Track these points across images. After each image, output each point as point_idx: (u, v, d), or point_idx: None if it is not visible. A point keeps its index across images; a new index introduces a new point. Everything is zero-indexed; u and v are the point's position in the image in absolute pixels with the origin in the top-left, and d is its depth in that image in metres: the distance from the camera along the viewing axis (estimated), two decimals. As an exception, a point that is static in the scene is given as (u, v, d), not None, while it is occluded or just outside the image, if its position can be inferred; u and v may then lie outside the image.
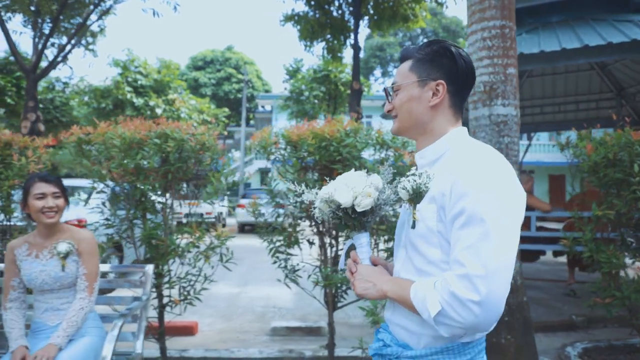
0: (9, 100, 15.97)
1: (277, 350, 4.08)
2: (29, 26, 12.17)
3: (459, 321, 1.05)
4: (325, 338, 4.64)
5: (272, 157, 3.30)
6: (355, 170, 1.34)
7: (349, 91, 15.39)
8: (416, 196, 1.16)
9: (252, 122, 29.56)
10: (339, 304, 3.64)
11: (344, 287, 3.56)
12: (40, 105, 17.36)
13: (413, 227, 1.19)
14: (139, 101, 15.04)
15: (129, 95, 14.83)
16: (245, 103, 23.51)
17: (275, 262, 3.62)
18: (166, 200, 3.23)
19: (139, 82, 15.23)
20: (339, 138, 2.86)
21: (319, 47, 22.02)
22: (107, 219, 3.25)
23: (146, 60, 15.80)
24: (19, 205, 2.84)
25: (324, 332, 4.74)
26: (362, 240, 1.32)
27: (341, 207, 1.24)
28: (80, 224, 5.46)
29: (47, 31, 12.20)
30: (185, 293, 3.39)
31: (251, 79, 25.85)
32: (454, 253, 1.08)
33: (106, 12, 11.71)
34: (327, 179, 1.31)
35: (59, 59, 10.59)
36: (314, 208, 1.31)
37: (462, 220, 1.08)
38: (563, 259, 6.79)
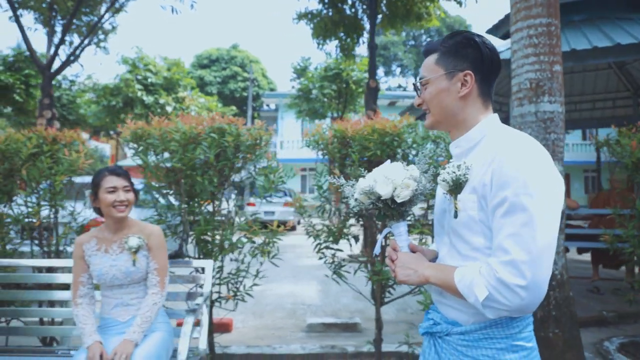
0: (17, 98, 15.93)
1: (319, 347, 4.10)
2: (40, 23, 12.15)
3: (506, 304, 1.10)
4: (362, 334, 4.69)
5: (322, 152, 3.31)
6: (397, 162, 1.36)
7: (360, 89, 15.43)
8: (456, 187, 1.21)
9: (256, 120, 29.55)
10: (386, 299, 3.65)
11: (390, 282, 3.56)
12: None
13: (455, 216, 1.24)
14: (149, 99, 15.01)
15: (139, 93, 14.79)
16: (250, 101, 23.50)
17: (320, 259, 3.63)
18: (221, 195, 3.24)
19: (149, 80, 15.20)
20: (400, 133, 2.87)
21: (332, 45, 22.13)
22: (159, 214, 3.26)
23: (155, 58, 15.79)
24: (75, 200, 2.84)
25: (359, 329, 4.77)
26: (401, 229, 1.35)
27: (381, 198, 1.28)
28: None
29: (58, 28, 12.20)
30: (235, 289, 3.39)
31: (256, 78, 25.84)
32: (497, 240, 1.13)
33: (119, 9, 11.69)
34: (364, 171, 1.34)
35: (72, 57, 10.55)
36: (353, 200, 1.35)
37: (504, 208, 1.12)
38: (586, 256, 6.82)
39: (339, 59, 14.73)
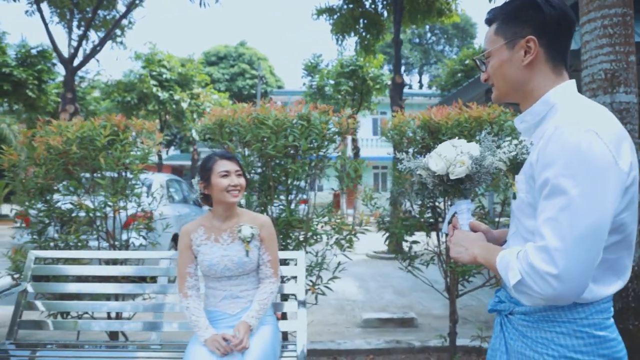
0: (30, 94, 15.80)
1: (384, 342, 4.04)
2: (57, 16, 12.05)
3: (538, 292, 1.02)
4: (419, 329, 4.64)
5: (405, 143, 3.25)
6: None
7: (377, 86, 15.37)
8: (514, 167, 1.16)
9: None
10: (461, 292, 3.59)
11: (466, 276, 3.50)
12: (59, 100, 17.28)
13: (514, 197, 1.20)
14: (163, 95, 14.89)
15: (154, 89, 14.68)
16: (259, 99, 23.43)
17: (393, 251, 3.57)
18: (308, 184, 3.18)
19: (164, 76, 15.08)
20: (497, 121, 2.81)
21: (351, 41, 22.06)
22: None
23: (169, 54, 15.68)
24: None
25: (416, 324, 4.71)
26: (463, 206, 1.35)
27: (436, 174, 1.29)
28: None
29: (75, 23, 12.11)
30: (313, 282, 3.34)
31: (264, 75, 25.74)
32: (537, 223, 1.05)
33: (136, 4, 11.60)
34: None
35: (96, 50, 10.47)
36: (417, 175, 1.36)
37: (546, 191, 1.04)
38: None
39: (356, 55, 14.69)
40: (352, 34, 12.47)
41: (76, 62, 10.32)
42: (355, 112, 16.26)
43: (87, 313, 3.23)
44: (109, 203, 3.03)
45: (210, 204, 2.29)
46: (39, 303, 2.79)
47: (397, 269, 3.55)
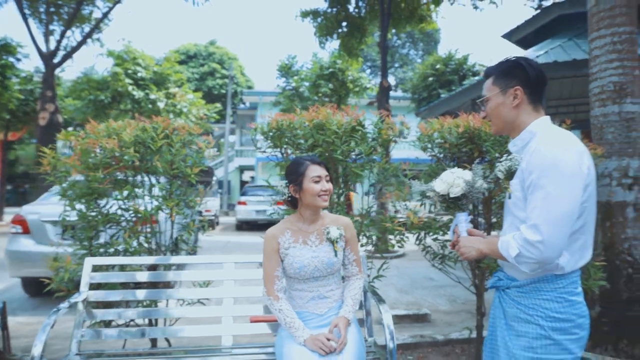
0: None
1: (409, 336, 4.23)
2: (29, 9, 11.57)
3: (531, 257, 1.49)
4: (432, 324, 4.86)
5: (442, 149, 3.44)
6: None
7: (356, 89, 15.63)
8: (509, 175, 1.67)
9: (231, 118, 29.22)
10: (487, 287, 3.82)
11: (492, 271, 3.73)
12: (21, 97, 16.52)
13: (509, 197, 1.67)
14: (139, 94, 14.49)
15: (129, 88, 14.26)
16: (230, 99, 23.22)
17: (423, 249, 3.76)
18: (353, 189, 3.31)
19: (139, 74, 14.69)
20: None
21: (334, 44, 22.12)
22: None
23: (144, 52, 15.28)
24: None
25: (429, 319, 4.94)
26: (461, 218, 1.79)
27: (440, 194, 1.76)
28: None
29: (44, 17, 11.66)
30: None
31: (235, 75, 25.52)
32: (527, 212, 1.54)
33: (117, 1, 11.33)
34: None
35: (77, 47, 10.14)
36: (429, 194, 1.84)
37: (532, 188, 1.52)
38: None
39: (338, 57, 14.88)
40: (335, 36, 12.68)
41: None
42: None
43: (133, 320, 3.17)
44: (163, 208, 3.05)
45: (295, 207, 2.35)
46: (99, 312, 2.77)
47: (392, 268, 3.74)
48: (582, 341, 1.60)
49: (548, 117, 1.68)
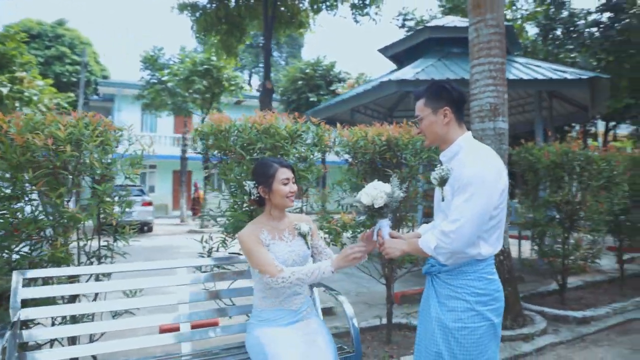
0: None
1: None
2: None
3: (444, 246, 1.84)
4: (337, 317, 5.25)
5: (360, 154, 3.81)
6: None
7: (232, 88, 15.48)
8: (442, 182, 1.96)
9: (83, 110, 26.35)
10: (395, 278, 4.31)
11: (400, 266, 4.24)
12: None
13: (443, 200, 1.99)
14: (-27, 76, 12.19)
15: (-40, 68, 11.86)
16: (83, 88, 20.96)
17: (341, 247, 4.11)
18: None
19: (-27, 53, 12.31)
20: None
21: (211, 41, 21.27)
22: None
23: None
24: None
25: (335, 312, 5.31)
26: (384, 223, 2.07)
27: (365, 205, 2.03)
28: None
29: None
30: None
31: (89, 62, 23.03)
32: (450, 210, 1.88)
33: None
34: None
35: None
36: (356, 205, 2.09)
37: (457, 192, 1.86)
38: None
39: (208, 54, 14.56)
40: (214, 33, 12.46)
41: None
42: (206, 112, 16.08)
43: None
44: (107, 210, 2.84)
45: (261, 206, 2.46)
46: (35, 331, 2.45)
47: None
48: (499, 310, 1.95)
49: (470, 133, 2.03)
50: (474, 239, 1.83)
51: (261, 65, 42.58)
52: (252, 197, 2.43)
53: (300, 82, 20.68)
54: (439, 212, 2.03)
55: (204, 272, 3.09)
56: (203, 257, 3.33)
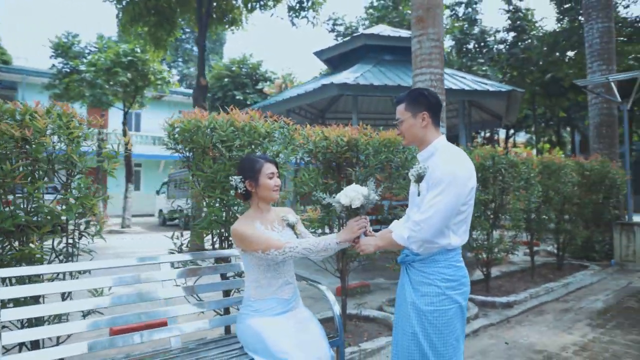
0: None
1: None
2: None
3: (415, 235, 2.03)
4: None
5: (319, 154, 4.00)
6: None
7: (158, 82, 14.87)
8: (419, 178, 2.13)
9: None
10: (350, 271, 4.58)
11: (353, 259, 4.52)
12: None
13: (419, 195, 2.15)
14: None
15: None
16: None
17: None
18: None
19: None
20: (397, 144, 3.96)
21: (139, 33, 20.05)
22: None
23: None
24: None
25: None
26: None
27: (344, 205, 2.19)
28: None
29: None
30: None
31: (-15, 44, 20.72)
32: (423, 204, 2.06)
33: None
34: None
35: None
36: (335, 204, 2.24)
37: (431, 187, 2.04)
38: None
39: (132, 45, 13.88)
40: (142, 24, 11.93)
41: None
42: (128, 106, 15.31)
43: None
44: (85, 206, 2.77)
45: (247, 200, 2.57)
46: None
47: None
48: (465, 294, 2.17)
49: (444, 136, 2.23)
50: (442, 230, 2.01)
51: (180, 60, 41.13)
52: (239, 191, 2.51)
53: (226, 80, 20.35)
54: (413, 206, 2.21)
55: (176, 267, 3.11)
56: (173, 253, 3.34)
